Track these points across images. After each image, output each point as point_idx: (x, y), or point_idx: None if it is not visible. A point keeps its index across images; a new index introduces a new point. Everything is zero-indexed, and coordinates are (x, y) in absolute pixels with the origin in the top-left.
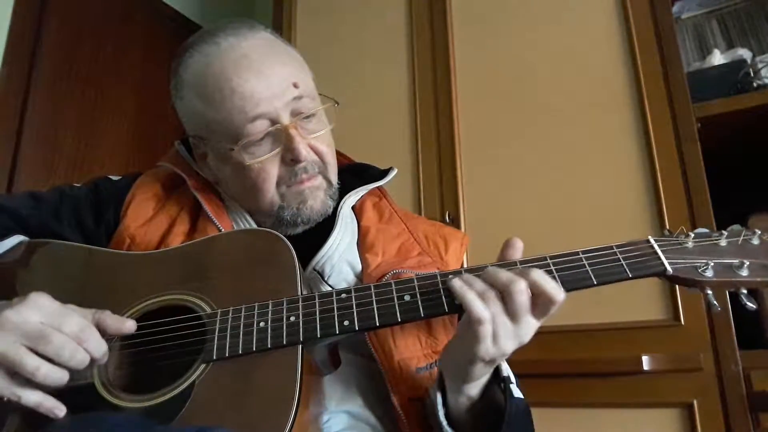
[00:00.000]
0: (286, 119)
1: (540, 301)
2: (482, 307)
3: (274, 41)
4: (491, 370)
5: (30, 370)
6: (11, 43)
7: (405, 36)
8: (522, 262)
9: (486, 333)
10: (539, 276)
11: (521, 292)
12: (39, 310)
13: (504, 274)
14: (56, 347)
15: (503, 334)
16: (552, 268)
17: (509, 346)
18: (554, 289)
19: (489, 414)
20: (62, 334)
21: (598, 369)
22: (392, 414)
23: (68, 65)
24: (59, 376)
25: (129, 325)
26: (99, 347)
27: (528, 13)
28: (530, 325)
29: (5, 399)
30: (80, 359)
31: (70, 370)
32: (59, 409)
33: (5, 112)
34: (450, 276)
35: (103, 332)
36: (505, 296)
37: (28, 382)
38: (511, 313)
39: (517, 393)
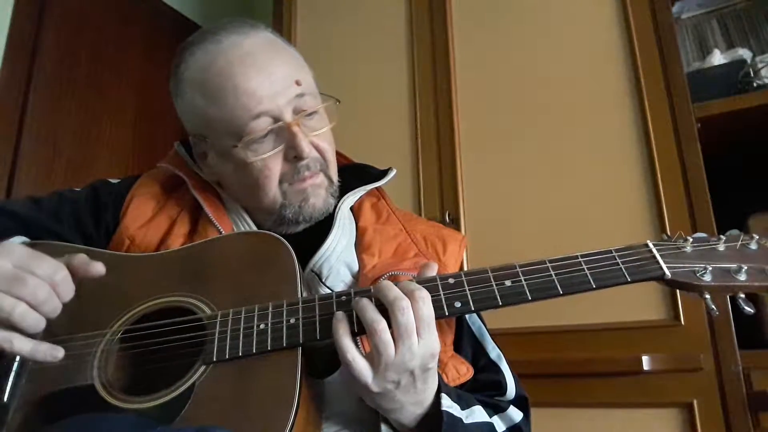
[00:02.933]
0: (288, 116)
1: (416, 307)
2: (349, 343)
3: (275, 40)
4: (407, 401)
5: (7, 309)
6: (11, 43)
7: (405, 36)
8: (522, 266)
9: (358, 372)
10: (405, 284)
11: (403, 309)
12: (11, 255)
13: (392, 293)
14: (31, 288)
15: (386, 363)
16: (551, 271)
17: (392, 374)
18: (416, 287)
19: None
20: (36, 277)
21: (598, 369)
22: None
23: (68, 65)
24: (36, 319)
25: (98, 268)
26: (70, 290)
27: (528, 13)
28: (413, 350)
29: None
30: (54, 305)
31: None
32: (57, 351)
33: (5, 112)
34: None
35: (74, 274)
36: (390, 316)
37: (13, 328)
38: (397, 336)
39: (478, 418)
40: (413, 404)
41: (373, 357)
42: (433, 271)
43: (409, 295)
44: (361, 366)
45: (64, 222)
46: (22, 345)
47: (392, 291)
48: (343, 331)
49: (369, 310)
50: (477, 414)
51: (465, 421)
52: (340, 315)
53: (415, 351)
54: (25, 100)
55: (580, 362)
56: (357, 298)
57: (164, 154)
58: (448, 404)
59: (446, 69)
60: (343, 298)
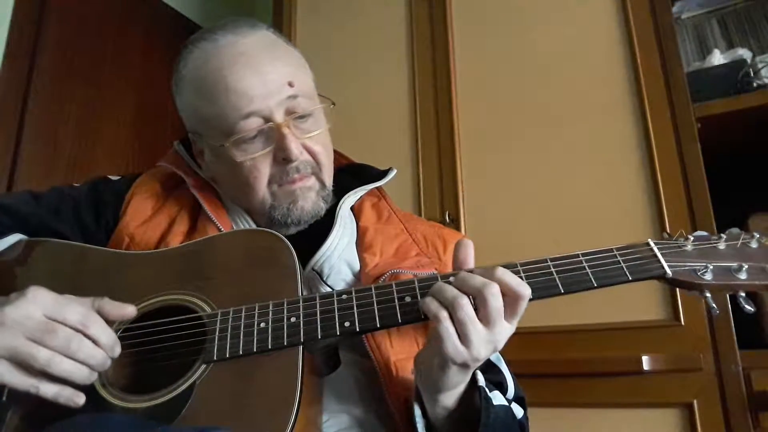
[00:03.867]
0: (279, 118)
1: (509, 301)
2: (436, 305)
3: (274, 40)
4: (465, 378)
5: (43, 362)
6: (11, 42)
7: (405, 36)
8: (523, 264)
9: (446, 332)
10: (505, 274)
11: (494, 295)
12: (39, 303)
13: (477, 279)
14: (63, 341)
15: (476, 339)
16: (553, 270)
17: (483, 351)
18: (520, 285)
19: (468, 422)
20: (67, 327)
21: (598, 369)
22: (390, 414)
23: (68, 65)
24: (70, 367)
25: (130, 310)
26: (105, 333)
27: (528, 13)
28: (504, 329)
29: (21, 392)
30: (87, 352)
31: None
32: (79, 397)
33: (5, 112)
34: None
35: (105, 320)
36: (478, 302)
37: (42, 374)
38: (485, 318)
39: (500, 401)
40: (464, 381)
41: (461, 332)
42: (468, 248)
43: (490, 284)
44: (453, 335)
45: (63, 219)
46: (47, 389)
47: (477, 278)
48: (437, 306)
49: (448, 288)
50: (498, 397)
51: (493, 402)
52: (427, 299)
53: (506, 329)
54: (25, 100)
55: (580, 362)
56: (436, 282)
57: (164, 153)
58: (482, 381)
59: (446, 69)
60: (344, 296)
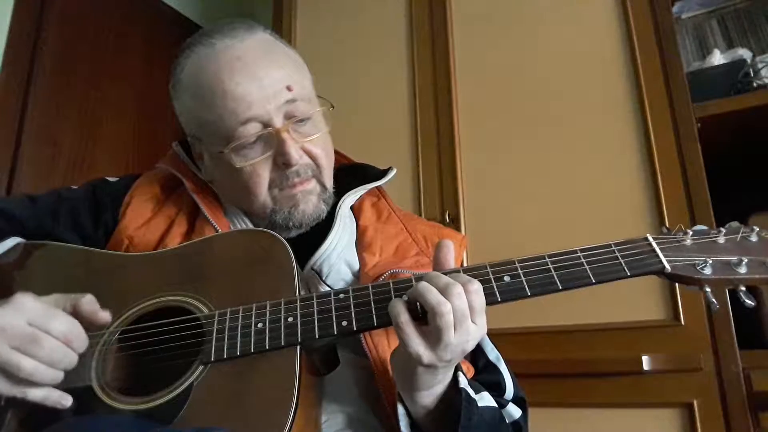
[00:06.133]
0: (278, 122)
1: (470, 300)
2: (400, 309)
3: (272, 43)
4: (437, 378)
5: (29, 371)
6: (11, 43)
7: (405, 36)
8: (520, 261)
9: (407, 333)
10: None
11: (457, 295)
12: (24, 311)
13: (442, 279)
14: (48, 351)
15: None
16: (550, 266)
17: (447, 354)
18: (468, 280)
19: (450, 423)
20: (52, 338)
21: (598, 369)
22: (388, 414)
23: (68, 65)
24: (54, 376)
25: (102, 316)
26: (84, 344)
27: (528, 13)
28: (470, 331)
29: (9, 398)
30: (69, 361)
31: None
32: (66, 399)
33: (5, 112)
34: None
35: (80, 317)
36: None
37: (28, 380)
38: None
39: (487, 402)
40: (442, 382)
41: (434, 336)
42: (449, 248)
43: (453, 284)
44: (418, 344)
45: (61, 222)
46: (35, 394)
47: (442, 278)
48: (401, 308)
49: (432, 292)
50: (486, 399)
51: (478, 404)
52: (396, 300)
53: (472, 332)
54: (25, 100)
55: (580, 362)
56: (416, 283)
57: (164, 154)
58: (464, 383)
59: (446, 69)
60: (341, 296)
